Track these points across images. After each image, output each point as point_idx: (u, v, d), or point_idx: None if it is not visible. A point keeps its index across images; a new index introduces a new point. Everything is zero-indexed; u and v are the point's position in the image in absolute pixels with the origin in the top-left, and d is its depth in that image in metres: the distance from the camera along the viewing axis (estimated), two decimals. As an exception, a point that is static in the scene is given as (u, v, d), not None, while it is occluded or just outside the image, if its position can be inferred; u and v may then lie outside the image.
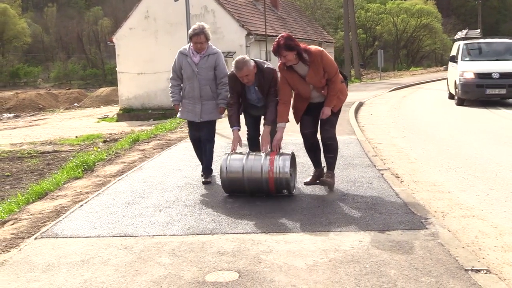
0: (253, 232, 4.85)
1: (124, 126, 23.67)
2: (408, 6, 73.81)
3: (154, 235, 4.84)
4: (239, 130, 6.40)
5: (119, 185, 7.06)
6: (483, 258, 4.34)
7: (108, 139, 15.22)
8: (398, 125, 14.12)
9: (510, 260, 4.34)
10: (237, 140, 6.35)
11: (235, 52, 28.12)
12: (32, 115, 34.21)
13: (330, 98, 6.10)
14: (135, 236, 4.84)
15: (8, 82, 64.17)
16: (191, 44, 6.69)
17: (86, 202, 6.15)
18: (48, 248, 4.61)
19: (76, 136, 17.34)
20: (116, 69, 30.39)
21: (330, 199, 5.92)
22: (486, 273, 3.76)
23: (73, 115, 32.77)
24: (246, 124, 6.86)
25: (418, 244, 4.36)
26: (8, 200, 7.32)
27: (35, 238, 4.93)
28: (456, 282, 3.59)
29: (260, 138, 6.52)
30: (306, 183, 6.53)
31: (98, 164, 9.20)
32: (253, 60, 6.34)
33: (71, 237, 4.90)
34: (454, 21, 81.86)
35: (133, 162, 8.94)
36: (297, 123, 6.47)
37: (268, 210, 5.55)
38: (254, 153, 6.14)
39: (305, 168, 7.26)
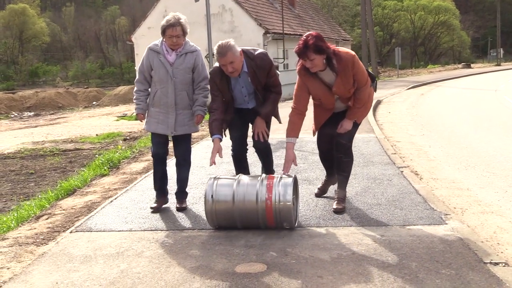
0: (278, 227, 4.91)
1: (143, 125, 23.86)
2: (425, 3, 73.23)
3: (183, 229, 5.01)
4: (220, 140, 5.16)
5: (146, 182, 7.22)
6: (502, 252, 4.44)
7: (128, 137, 15.36)
8: (417, 123, 14.17)
9: (527, 254, 4.45)
10: (216, 151, 5.11)
11: (253, 51, 28.32)
12: (52, 114, 34.52)
13: (354, 110, 5.15)
14: (166, 230, 5.01)
15: (28, 81, 64.78)
16: (164, 40, 5.40)
17: (115, 198, 6.34)
18: (84, 241, 4.79)
19: (97, 134, 17.52)
20: (135, 68, 30.64)
21: (351, 195, 5.92)
22: (504, 265, 3.85)
23: (92, 114, 33.01)
24: (231, 138, 5.55)
25: (438, 238, 4.44)
26: (39, 196, 7.53)
27: (71, 232, 5.11)
28: (475, 274, 3.69)
29: (252, 128, 5.38)
30: (316, 194, 5.87)
31: (123, 162, 9.43)
32: (241, 48, 5.13)
33: (105, 231, 5.07)
34: (473, 18, 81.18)
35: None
36: (313, 135, 5.62)
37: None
38: (248, 177, 4.88)
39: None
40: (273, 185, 4.56)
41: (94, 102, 41.95)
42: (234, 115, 5.36)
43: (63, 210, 6.20)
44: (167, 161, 5.87)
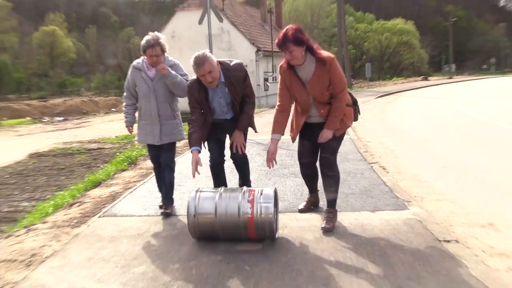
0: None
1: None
2: (390, 26, 73.87)
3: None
4: (199, 152, 4.47)
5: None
6: (453, 232, 4.54)
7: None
8: (384, 126, 14.25)
9: (473, 233, 4.56)
10: (195, 162, 4.37)
11: (246, 66, 28.34)
12: (78, 119, 34.36)
13: (333, 119, 4.29)
14: (177, 215, 5.06)
15: (57, 91, 64.41)
16: (145, 58, 4.91)
17: (135, 189, 6.38)
18: (110, 224, 4.85)
19: (116, 136, 17.46)
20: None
21: None
22: (455, 243, 3.95)
23: (112, 119, 32.89)
24: (209, 149, 4.82)
25: (401, 221, 4.52)
26: (71, 187, 7.57)
27: (99, 217, 5.16)
28: (432, 249, 3.80)
29: (230, 140, 4.70)
30: (300, 210, 4.95)
31: (139, 159, 9.46)
32: (217, 59, 4.48)
33: (127, 216, 5.13)
34: (430, 38, 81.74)
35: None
36: (292, 141, 4.67)
37: (281, 194, 5.61)
38: (229, 190, 4.22)
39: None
40: (254, 198, 3.98)
41: (113, 109, 41.78)
42: (212, 127, 4.68)
43: (92, 198, 6.25)
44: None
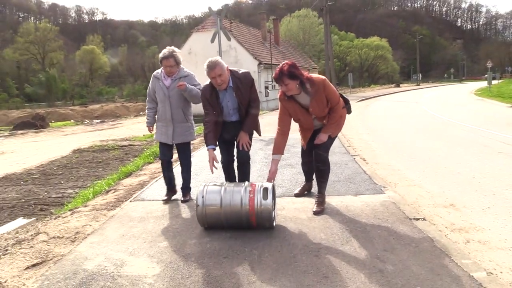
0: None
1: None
2: (368, 42, 73.95)
3: (207, 199, 5.04)
4: (214, 149, 4.25)
5: (180, 167, 7.25)
6: (421, 211, 4.54)
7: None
8: (364, 125, 14.20)
9: (438, 213, 4.55)
10: (212, 159, 4.19)
11: (250, 76, 28.34)
12: (113, 121, 34.38)
13: (329, 126, 4.25)
14: (195, 199, 5.03)
15: (95, 98, 64.51)
16: (163, 69, 4.79)
17: (159, 178, 6.32)
18: (139, 207, 4.83)
19: (144, 135, 17.49)
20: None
21: None
22: (422, 220, 3.94)
23: (140, 121, 32.84)
24: (220, 151, 4.56)
25: (379, 203, 4.50)
26: (107, 177, 7.59)
27: (130, 201, 5.14)
28: (404, 226, 3.78)
29: (237, 140, 4.41)
30: (296, 195, 4.89)
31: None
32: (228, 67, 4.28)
33: (153, 200, 5.11)
34: (401, 53, 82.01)
35: (192, 150, 9.10)
36: (304, 148, 4.65)
37: (280, 182, 5.58)
38: (233, 185, 3.98)
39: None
40: (255, 192, 3.78)
41: (141, 112, 41.77)
42: (222, 131, 4.42)
43: (124, 186, 6.23)
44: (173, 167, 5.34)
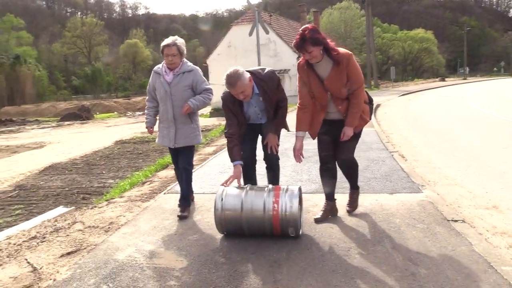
0: (304, 192, 4.82)
1: (214, 121, 23.97)
2: (413, 35, 71.76)
3: (239, 193, 5.03)
4: (242, 165, 3.79)
5: (214, 160, 7.30)
6: (460, 212, 4.32)
7: (203, 129, 15.48)
8: (405, 120, 13.80)
9: (479, 214, 4.32)
10: (236, 176, 3.71)
11: (289, 70, 28.11)
12: (154, 113, 35.13)
13: (352, 116, 3.64)
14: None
15: (138, 91, 66.22)
16: (164, 61, 4.26)
17: (194, 171, 6.36)
18: (172, 199, 4.86)
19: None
20: (209, 81, 30.78)
21: None
22: (461, 222, 3.76)
23: (180, 113, 33.45)
24: (242, 150, 3.90)
25: (415, 202, 4.34)
26: (144, 168, 7.75)
27: (164, 193, 5.21)
28: (441, 227, 3.62)
29: (264, 142, 4.00)
30: (316, 220, 3.92)
31: (199, 146, 9.55)
32: (248, 71, 3.76)
33: (187, 193, 5.16)
34: (447, 45, 78.99)
35: (222, 145, 9.13)
36: (313, 138, 3.94)
37: (313, 177, 5.51)
38: (255, 188, 3.64)
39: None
40: (279, 196, 3.42)
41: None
42: (246, 129, 3.96)
43: (160, 178, 6.32)
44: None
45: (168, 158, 8.07)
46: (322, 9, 58.78)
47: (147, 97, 4.50)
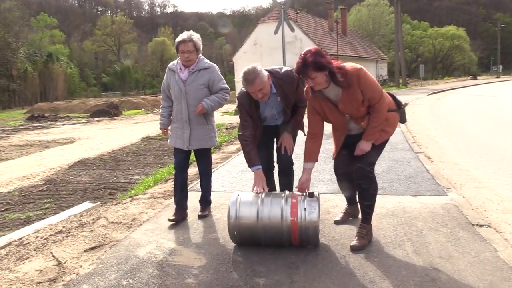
0: (325, 193, 4.85)
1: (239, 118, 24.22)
2: (443, 32, 69.96)
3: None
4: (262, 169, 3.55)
5: (237, 159, 7.33)
6: (487, 217, 4.19)
7: (229, 127, 15.54)
8: (433, 120, 13.48)
9: (506, 219, 4.17)
10: (261, 181, 3.48)
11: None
12: (180, 110, 35.48)
13: (371, 130, 3.25)
14: (248, 191, 5.04)
15: (164, 88, 67.32)
16: (179, 58, 4.00)
17: (216, 169, 6.46)
18: (194, 197, 4.81)
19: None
20: (235, 79, 30.97)
21: (379, 172, 5.61)
22: (487, 227, 3.65)
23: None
24: (259, 156, 3.65)
25: (439, 205, 4.25)
26: (168, 166, 7.85)
27: (236, 191, 5.23)
28: (465, 232, 3.53)
29: (279, 142, 3.79)
30: (336, 222, 3.86)
31: (223, 144, 9.62)
32: (266, 70, 3.53)
33: (208, 191, 5.19)
34: (479, 42, 76.69)
35: (246, 143, 9.18)
36: (333, 158, 3.66)
37: (331, 177, 5.46)
38: (271, 194, 3.36)
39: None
40: (298, 204, 3.20)
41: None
42: (261, 132, 3.74)
43: (183, 176, 6.39)
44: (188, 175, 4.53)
45: (191, 156, 8.16)
46: (350, 6, 58.14)
47: (161, 96, 4.24)
